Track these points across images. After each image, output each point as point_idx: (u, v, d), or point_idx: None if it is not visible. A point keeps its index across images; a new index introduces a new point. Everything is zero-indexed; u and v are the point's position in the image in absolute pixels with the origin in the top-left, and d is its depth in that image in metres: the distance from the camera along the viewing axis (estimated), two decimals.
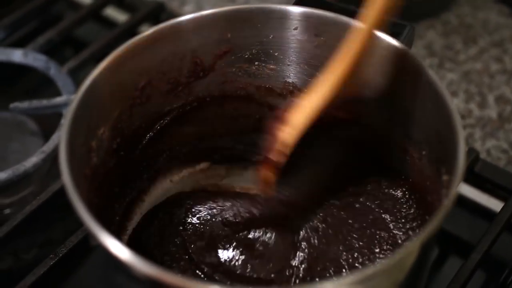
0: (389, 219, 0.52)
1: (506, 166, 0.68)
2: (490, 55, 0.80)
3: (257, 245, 0.52)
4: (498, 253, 0.60)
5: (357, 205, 0.53)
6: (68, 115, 0.45)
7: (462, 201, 0.64)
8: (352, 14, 0.51)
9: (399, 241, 0.50)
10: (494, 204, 0.64)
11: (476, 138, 0.71)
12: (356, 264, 0.50)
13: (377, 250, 0.50)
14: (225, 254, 0.52)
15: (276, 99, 0.56)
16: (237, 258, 0.52)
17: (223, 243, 0.53)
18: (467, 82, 0.77)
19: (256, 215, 0.55)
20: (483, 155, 0.69)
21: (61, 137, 0.43)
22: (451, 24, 0.84)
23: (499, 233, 0.57)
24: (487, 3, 0.86)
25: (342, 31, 0.51)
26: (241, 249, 0.52)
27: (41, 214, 0.59)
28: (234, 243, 0.53)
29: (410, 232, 0.50)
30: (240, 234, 0.53)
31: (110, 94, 0.49)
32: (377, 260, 0.50)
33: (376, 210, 0.53)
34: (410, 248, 0.39)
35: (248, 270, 0.51)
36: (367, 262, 0.50)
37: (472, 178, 0.63)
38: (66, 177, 0.41)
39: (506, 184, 0.62)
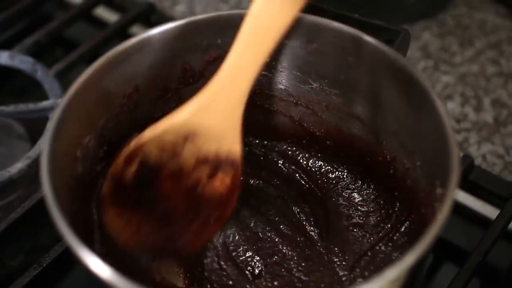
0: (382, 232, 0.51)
1: (501, 172, 0.67)
2: (486, 57, 0.79)
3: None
4: (493, 261, 0.59)
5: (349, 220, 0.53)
6: (51, 124, 0.43)
7: (457, 208, 0.63)
8: (346, 20, 0.50)
9: (393, 256, 0.50)
10: (490, 211, 0.63)
11: (471, 142, 0.70)
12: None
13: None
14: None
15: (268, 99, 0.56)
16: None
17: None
18: (463, 85, 0.76)
19: None
20: (478, 161, 0.68)
21: (43, 147, 0.42)
22: (447, 25, 0.83)
23: (495, 241, 0.56)
24: (484, 3, 0.85)
25: (336, 37, 0.50)
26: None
27: (26, 221, 0.58)
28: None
29: (403, 245, 0.49)
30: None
31: (96, 102, 0.48)
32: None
33: (368, 222, 0.52)
34: (401, 270, 0.38)
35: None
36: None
37: (466, 185, 0.62)
38: (47, 190, 0.40)
39: (501, 191, 0.61)
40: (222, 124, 0.45)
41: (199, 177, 0.46)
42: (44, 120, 0.64)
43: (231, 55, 0.43)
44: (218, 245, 0.52)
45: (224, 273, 0.51)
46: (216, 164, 0.46)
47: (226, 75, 0.43)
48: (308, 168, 0.57)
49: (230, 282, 0.50)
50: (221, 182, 0.46)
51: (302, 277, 0.50)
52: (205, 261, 0.52)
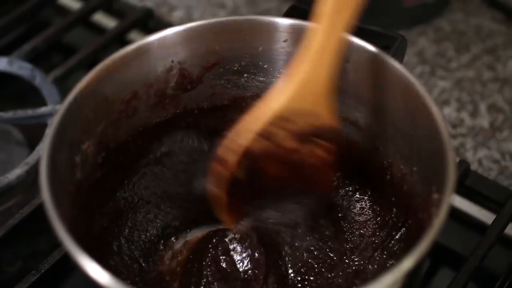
0: (379, 238, 0.51)
1: (497, 177, 0.68)
2: (482, 63, 0.79)
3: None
4: (490, 265, 0.60)
5: (344, 224, 0.53)
6: (50, 131, 0.44)
7: (454, 213, 0.63)
8: None
9: (389, 262, 0.50)
10: (486, 216, 0.64)
11: (467, 148, 0.70)
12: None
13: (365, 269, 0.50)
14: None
15: None
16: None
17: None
18: (459, 90, 0.76)
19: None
20: (474, 166, 0.68)
21: (42, 153, 0.42)
22: (443, 31, 0.83)
23: (491, 245, 0.57)
24: (480, 9, 0.86)
25: None
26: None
27: (25, 227, 0.58)
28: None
29: (400, 251, 0.50)
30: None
31: (95, 108, 0.48)
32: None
33: (365, 229, 0.52)
34: (398, 275, 0.38)
35: None
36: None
37: (463, 190, 0.63)
38: (46, 196, 0.40)
39: (497, 196, 0.61)
40: (316, 104, 0.46)
41: (301, 150, 0.48)
42: (42, 126, 0.64)
43: (315, 37, 0.44)
44: (215, 245, 0.53)
45: (221, 269, 0.51)
46: (315, 134, 0.48)
47: (313, 56, 0.45)
48: None
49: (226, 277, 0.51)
50: (323, 149, 0.49)
51: (299, 278, 0.51)
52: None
